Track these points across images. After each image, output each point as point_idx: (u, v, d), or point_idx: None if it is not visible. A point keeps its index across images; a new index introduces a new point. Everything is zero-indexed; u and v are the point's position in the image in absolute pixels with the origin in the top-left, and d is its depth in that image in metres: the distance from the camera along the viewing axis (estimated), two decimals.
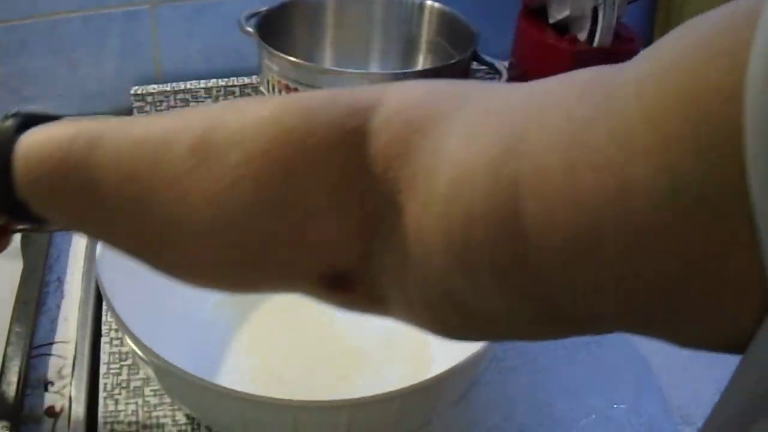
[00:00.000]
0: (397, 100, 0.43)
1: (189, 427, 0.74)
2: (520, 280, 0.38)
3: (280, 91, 1.02)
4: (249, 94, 1.24)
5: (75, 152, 0.47)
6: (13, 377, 0.73)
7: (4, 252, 0.89)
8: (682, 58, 0.32)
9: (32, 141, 0.50)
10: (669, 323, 0.36)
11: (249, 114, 0.44)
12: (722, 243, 0.31)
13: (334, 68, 1.01)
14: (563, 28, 1.04)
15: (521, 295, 0.39)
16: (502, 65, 1.06)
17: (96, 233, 0.53)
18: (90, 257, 0.92)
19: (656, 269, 0.34)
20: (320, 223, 0.43)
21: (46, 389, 0.77)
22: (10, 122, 0.52)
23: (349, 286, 0.46)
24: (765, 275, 0.30)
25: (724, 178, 0.30)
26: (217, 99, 1.23)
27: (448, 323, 0.45)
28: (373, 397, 0.60)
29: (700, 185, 0.31)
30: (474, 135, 0.39)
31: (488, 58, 1.06)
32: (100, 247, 0.71)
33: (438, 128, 0.41)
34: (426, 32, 1.19)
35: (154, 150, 0.45)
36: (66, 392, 0.77)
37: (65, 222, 0.54)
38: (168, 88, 1.21)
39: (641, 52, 0.36)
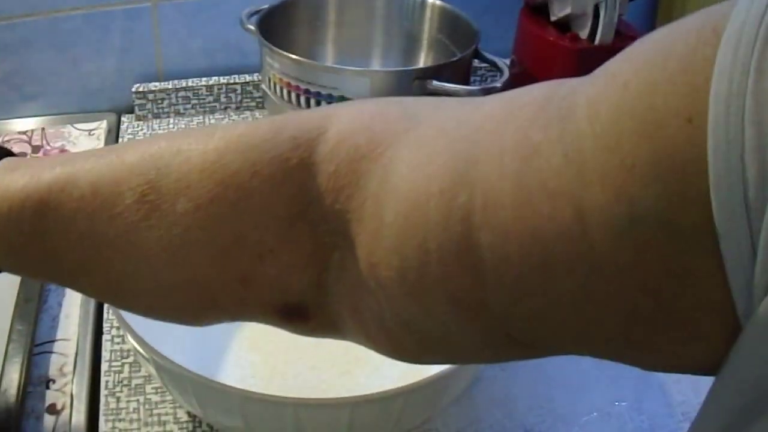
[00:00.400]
0: (343, 127, 0.42)
1: (190, 425, 0.74)
2: (477, 312, 0.38)
3: (281, 89, 1.02)
4: (250, 92, 1.24)
5: (27, 221, 0.46)
6: (14, 375, 0.73)
7: None
8: (637, 77, 0.31)
9: None
10: (633, 352, 0.35)
11: (193, 158, 0.43)
12: (686, 271, 0.30)
13: (335, 66, 1.01)
14: (564, 25, 1.04)
15: (479, 325, 0.39)
16: (504, 63, 1.06)
17: (55, 284, 0.52)
18: None
19: (616, 302, 0.33)
20: (272, 261, 0.43)
21: (47, 387, 0.77)
22: None
23: (304, 315, 0.46)
24: (733, 300, 0.30)
25: (686, 203, 0.29)
26: (218, 97, 1.23)
27: (404, 349, 0.44)
28: (375, 394, 0.60)
29: (661, 211, 0.30)
30: (424, 161, 0.38)
31: (490, 56, 1.06)
32: None
33: (386, 154, 0.40)
34: (427, 29, 1.19)
35: (103, 205, 0.44)
36: (67, 390, 0.77)
37: (24, 276, 0.53)
38: (169, 86, 1.21)
39: (597, 68, 0.35)
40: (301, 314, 0.45)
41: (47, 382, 0.77)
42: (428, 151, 0.39)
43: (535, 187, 0.33)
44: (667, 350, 0.34)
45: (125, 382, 0.78)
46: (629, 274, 0.32)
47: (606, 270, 0.32)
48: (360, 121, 0.43)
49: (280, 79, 1.02)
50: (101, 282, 0.47)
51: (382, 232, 0.39)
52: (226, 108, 1.25)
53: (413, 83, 0.97)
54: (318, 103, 1.00)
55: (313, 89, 0.99)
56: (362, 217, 0.40)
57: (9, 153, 0.53)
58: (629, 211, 0.30)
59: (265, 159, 0.42)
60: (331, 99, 0.98)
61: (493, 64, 1.07)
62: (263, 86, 1.09)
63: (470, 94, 1.06)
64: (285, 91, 1.02)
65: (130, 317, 0.64)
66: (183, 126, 1.21)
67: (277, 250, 0.43)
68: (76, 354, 0.81)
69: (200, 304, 0.46)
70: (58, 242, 0.46)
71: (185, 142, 0.44)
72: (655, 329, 0.33)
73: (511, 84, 0.91)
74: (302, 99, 1.00)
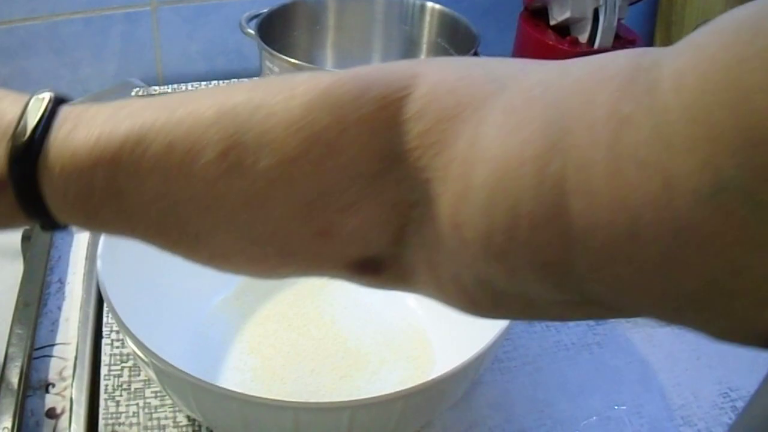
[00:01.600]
0: (430, 88, 0.43)
1: (190, 429, 0.74)
2: (560, 275, 0.39)
3: None
4: None
5: (98, 184, 0.45)
6: (14, 379, 0.73)
7: (5, 253, 0.90)
8: (725, 51, 0.32)
9: (56, 160, 0.45)
10: (706, 316, 0.36)
11: (277, 113, 0.43)
12: (763, 242, 0.31)
13: (334, 70, 1.01)
14: (564, 29, 1.04)
15: (559, 287, 0.40)
16: None
17: (120, 236, 0.50)
18: (91, 258, 0.92)
19: (697, 269, 0.34)
20: (353, 215, 0.43)
21: (47, 391, 0.77)
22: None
23: (377, 269, 0.46)
24: None
25: None
26: None
27: (477, 304, 0.45)
28: (374, 398, 0.60)
29: (744, 182, 0.31)
30: (515, 127, 0.39)
31: None
32: (101, 248, 0.71)
33: (474, 116, 0.41)
34: (427, 33, 1.19)
35: (181, 163, 0.43)
36: (67, 394, 0.77)
37: (83, 228, 0.52)
38: (169, 90, 1.22)
39: (681, 39, 0.36)
40: (375, 268, 0.46)
41: (47, 386, 0.77)
42: (519, 116, 0.39)
43: (626, 157, 0.34)
44: (740, 317, 0.35)
45: (125, 386, 0.78)
46: (711, 241, 0.32)
47: (689, 237, 0.33)
48: (446, 82, 0.43)
49: None
50: (176, 237, 0.46)
51: (469, 193, 0.40)
52: None
53: None
54: None
55: None
56: (447, 176, 0.41)
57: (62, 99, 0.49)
58: (714, 180, 0.31)
59: (353, 118, 0.42)
60: None
61: None
62: None
63: None
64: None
65: (129, 321, 0.64)
66: None
67: (359, 205, 0.43)
68: (76, 358, 0.81)
69: (277, 258, 0.46)
70: (132, 203, 0.45)
71: (265, 98, 0.44)
72: (732, 295, 0.34)
73: None
74: None
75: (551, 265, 0.38)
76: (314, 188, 0.43)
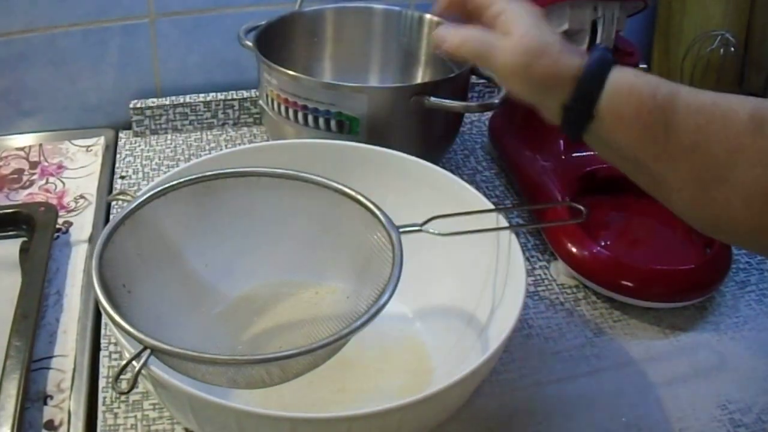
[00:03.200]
0: None
1: None
2: None
3: (279, 105, 1.02)
4: (248, 108, 1.24)
5: (659, 101, 0.60)
6: (12, 391, 0.73)
7: (4, 265, 0.89)
8: None
9: (620, 84, 0.62)
10: None
11: None
12: None
13: (332, 82, 1.01)
14: None
15: None
16: None
17: (643, 169, 0.63)
18: (89, 270, 0.92)
19: None
20: None
21: (45, 403, 0.77)
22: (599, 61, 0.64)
23: None
24: None
25: None
26: (216, 113, 1.24)
27: None
28: (372, 410, 0.60)
29: None
30: None
31: (487, 72, 1.07)
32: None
33: None
34: (425, 46, 1.19)
35: (722, 114, 0.59)
36: (65, 406, 0.77)
37: (616, 153, 0.64)
38: (167, 102, 1.22)
39: None
40: None
41: (45, 399, 0.77)
42: None
43: None
44: None
45: (123, 399, 0.77)
46: None
47: None
48: None
49: (278, 95, 1.02)
50: (698, 167, 0.60)
51: None
52: (223, 124, 1.25)
53: (411, 99, 0.98)
54: (315, 120, 1.00)
55: (310, 105, 0.99)
56: None
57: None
58: None
59: None
60: (328, 115, 0.98)
61: (491, 80, 1.08)
62: (261, 102, 1.09)
63: (468, 110, 1.06)
64: (282, 107, 1.02)
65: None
66: (181, 142, 1.21)
67: None
68: (74, 370, 0.81)
69: (757, 218, 0.59)
70: (678, 125, 0.60)
71: None
72: None
73: (509, 100, 0.91)
74: (300, 115, 1.00)
75: None
76: None
